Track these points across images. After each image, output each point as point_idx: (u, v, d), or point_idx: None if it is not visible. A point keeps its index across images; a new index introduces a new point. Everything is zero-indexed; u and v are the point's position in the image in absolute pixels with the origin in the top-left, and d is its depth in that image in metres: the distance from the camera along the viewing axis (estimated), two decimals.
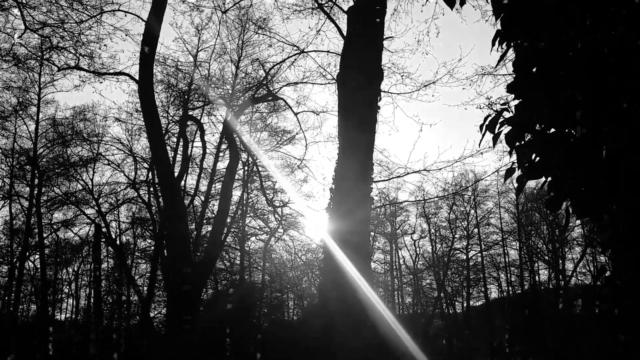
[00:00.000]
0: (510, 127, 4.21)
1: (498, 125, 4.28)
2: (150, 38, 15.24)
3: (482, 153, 16.75)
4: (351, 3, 13.54)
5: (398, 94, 18.05)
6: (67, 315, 51.21)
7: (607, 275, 4.24)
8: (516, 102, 4.21)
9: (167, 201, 16.09)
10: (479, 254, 49.52)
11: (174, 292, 15.83)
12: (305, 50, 19.21)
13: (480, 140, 4.44)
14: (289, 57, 20.22)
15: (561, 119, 4.00)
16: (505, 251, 49.68)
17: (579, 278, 46.23)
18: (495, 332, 49.34)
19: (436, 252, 50.99)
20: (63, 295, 49.33)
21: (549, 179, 4.10)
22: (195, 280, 15.44)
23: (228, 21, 25.92)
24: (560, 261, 45.73)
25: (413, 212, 49.85)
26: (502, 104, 4.29)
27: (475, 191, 46.53)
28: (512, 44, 4.31)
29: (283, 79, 26.43)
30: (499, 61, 4.60)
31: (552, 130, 4.06)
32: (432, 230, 50.77)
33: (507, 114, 4.28)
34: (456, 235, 49.59)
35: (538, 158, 4.12)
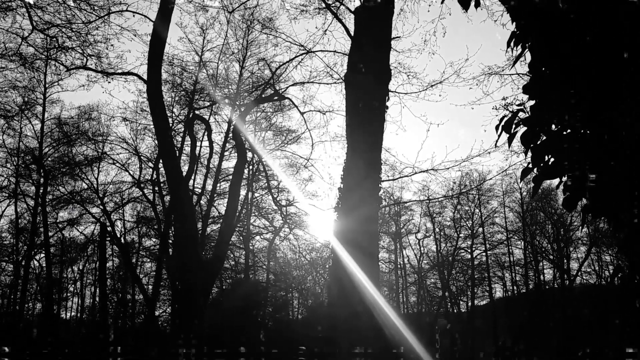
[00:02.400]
0: (526, 128, 4.24)
1: (514, 126, 4.31)
2: (157, 39, 15.30)
3: (489, 152, 16.78)
4: (358, 3, 13.56)
5: (405, 93, 18.09)
6: (72, 314, 51.44)
7: (623, 274, 4.27)
8: (532, 102, 4.24)
9: (175, 201, 16.15)
10: (484, 253, 49.50)
11: (182, 291, 15.88)
12: (312, 50, 19.25)
13: (496, 141, 4.48)
14: (295, 57, 20.28)
15: (577, 119, 4.03)
16: (510, 250, 49.68)
17: (584, 277, 46.24)
18: (499, 331, 49.34)
19: (441, 251, 51.01)
20: (68, 294, 49.53)
21: (565, 179, 4.13)
22: (203, 279, 15.49)
23: (234, 21, 25.99)
24: (565, 260, 45.70)
25: (417, 211, 49.89)
26: (517, 105, 4.33)
27: (480, 190, 46.49)
28: (527, 46, 4.35)
29: (289, 79, 26.49)
30: (515, 62, 4.64)
31: (568, 130, 4.09)
32: (437, 230, 50.78)
33: (522, 115, 4.31)
34: (461, 235, 49.57)
35: (553, 159, 4.15)
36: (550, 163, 4.11)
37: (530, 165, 4.26)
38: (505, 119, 4.34)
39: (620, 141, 3.83)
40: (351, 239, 11.47)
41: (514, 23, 4.30)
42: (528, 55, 4.43)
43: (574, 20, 4.06)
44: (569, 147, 4.01)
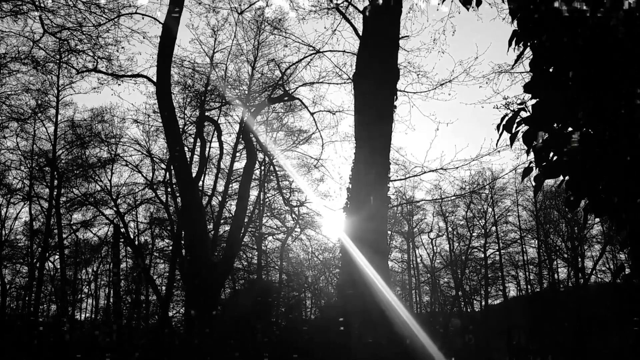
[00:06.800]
0: (527, 127, 4.22)
1: (515, 125, 4.29)
2: (167, 40, 15.36)
3: (499, 151, 16.72)
4: (367, 3, 13.54)
5: (414, 92, 18.03)
6: (87, 315, 51.75)
7: (625, 273, 4.24)
8: (533, 101, 4.22)
9: (185, 201, 16.21)
10: (497, 252, 49.27)
11: (193, 292, 15.95)
12: (321, 50, 19.25)
13: (498, 140, 4.46)
14: (304, 57, 20.28)
15: (578, 118, 4.01)
16: (524, 249, 49.41)
17: (599, 276, 45.85)
18: (513, 331, 49.10)
19: (454, 250, 50.83)
20: (83, 295, 49.81)
21: (567, 178, 4.10)
22: (214, 280, 15.54)
23: (244, 22, 26.05)
24: (580, 259, 45.36)
25: (430, 210, 49.76)
26: (519, 104, 4.30)
27: (492, 189, 46.30)
28: (528, 44, 4.33)
29: (299, 79, 26.51)
30: (516, 61, 4.62)
31: (569, 129, 4.06)
32: (450, 229, 50.61)
33: (524, 114, 4.29)
34: (474, 234, 49.36)
35: (555, 157, 4.12)
36: (551, 162, 4.09)
37: (532, 165, 4.25)
38: (507, 118, 4.32)
39: (621, 140, 3.80)
40: (360, 237, 11.47)
41: (514, 21, 4.29)
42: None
43: (576, 20, 4.04)
44: (570, 146, 3.99)
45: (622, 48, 3.77)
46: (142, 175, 34.41)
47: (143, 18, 17.72)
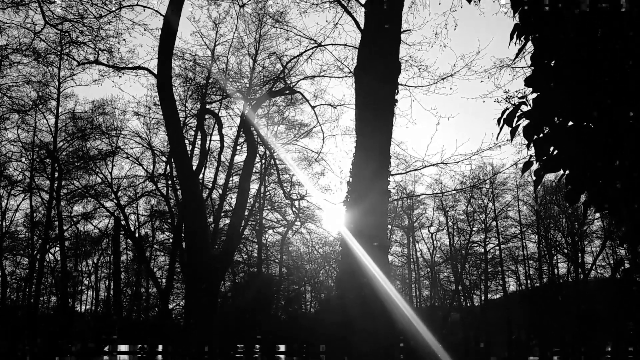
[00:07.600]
0: (528, 121, 4.20)
1: (516, 119, 4.27)
2: (168, 32, 15.32)
3: (500, 146, 16.66)
4: None
5: (416, 87, 17.95)
6: (87, 306, 51.91)
7: (624, 268, 4.24)
8: (534, 95, 4.19)
9: (186, 194, 16.20)
10: (497, 247, 49.32)
11: (193, 284, 15.96)
12: (323, 43, 19.17)
13: (498, 134, 4.44)
14: (306, 51, 20.20)
15: (579, 112, 3.99)
16: (524, 244, 49.47)
17: (599, 271, 45.92)
18: (513, 325, 49.19)
19: (454, 245, 50.87)
20: (83, 287, 49.97)
21: (567, 172, 4.09)
22: (213, 273, 15.55)
23: (245, 15, 25.97)
24: (580, 254, 45.40)
25: (430, 205, 49.80)
26: (520, 98, 4.28)
27: (493, 184, 46.29)
28: (530, 38, 4.31)
29: (300, 73, 26.46)
30: (517, 54, 4.59)
31: (570, 123, 4.05)
32: (450, 223, 50.65)
33: (525, 108, 4.27)
34: (474, 228, 49.40)
35: (556, 151, 4.11)
36: (551, 156, 4.08)
37: (532, 159, 4.23)
38: (507, 112, 4.30)
39: (622, 135, 3.79)
40: (361, 231, 11.45)
41: (516, 15, 4.27)
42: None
43: (578, 16, 4.03)
44: (571, 141, 3.98)
45: (624, 42, 3.76)
46: (143, 168, 34.43)
47: (144, 10, 17.67)
